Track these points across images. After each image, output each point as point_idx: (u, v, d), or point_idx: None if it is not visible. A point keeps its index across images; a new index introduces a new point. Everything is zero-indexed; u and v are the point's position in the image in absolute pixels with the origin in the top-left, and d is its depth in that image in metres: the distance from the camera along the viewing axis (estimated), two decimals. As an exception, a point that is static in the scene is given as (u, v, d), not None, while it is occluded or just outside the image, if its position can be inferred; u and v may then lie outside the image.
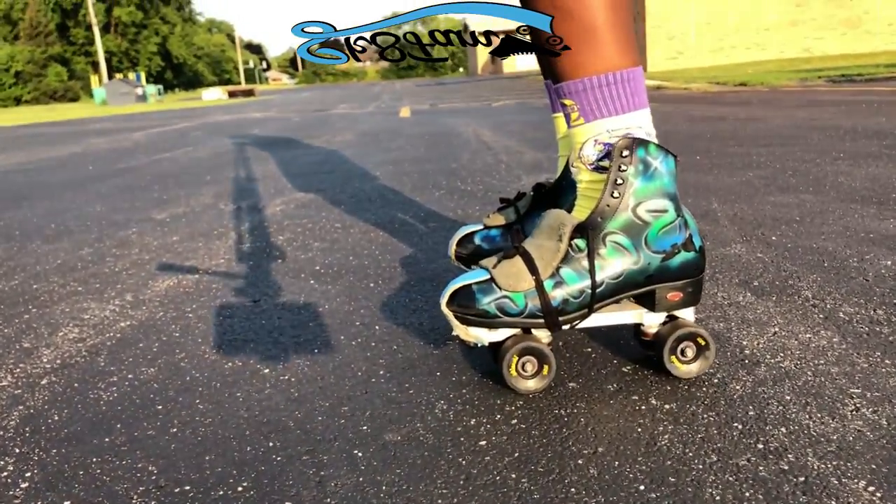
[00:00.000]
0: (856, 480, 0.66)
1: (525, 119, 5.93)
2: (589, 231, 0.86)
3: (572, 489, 0.68)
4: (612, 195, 0.86)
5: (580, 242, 0.87)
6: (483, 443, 0.78)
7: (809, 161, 2.64)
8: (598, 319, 0.91)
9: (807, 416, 0.78)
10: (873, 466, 0.68)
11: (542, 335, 0.90)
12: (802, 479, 0.67)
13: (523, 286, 0.87)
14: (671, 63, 17.76)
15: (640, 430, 0.78)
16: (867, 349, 0.95)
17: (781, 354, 0.95)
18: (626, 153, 0.86)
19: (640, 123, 0.88)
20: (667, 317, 0.93)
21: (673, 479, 0.68)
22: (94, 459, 0.80)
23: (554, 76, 0.89)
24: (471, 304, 0.88)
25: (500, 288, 0.87)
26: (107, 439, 0.84)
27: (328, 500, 0.69)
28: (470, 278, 0.89)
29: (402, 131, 5.46)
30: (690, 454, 0.73)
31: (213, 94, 35.38)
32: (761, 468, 0.69)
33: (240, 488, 0.72)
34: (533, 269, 0.87)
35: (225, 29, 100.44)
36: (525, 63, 62.33)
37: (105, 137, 7.00)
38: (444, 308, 0.89)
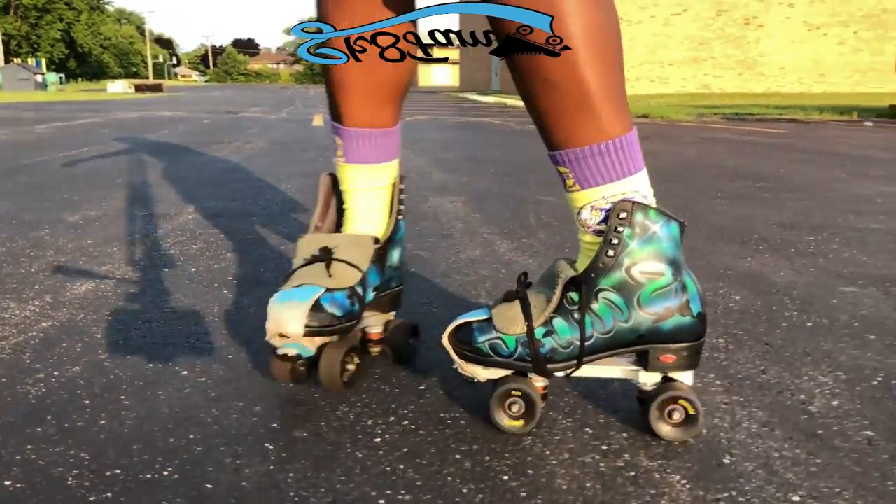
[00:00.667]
0: (673, 475, 0.83)
1: (437, 137, 6.12)
2: (583, 286, 0.89)
3: (449, 478, 0.82)
4: (606, 254, 0.88)
5: (574, 295, 0.89)
6: (378, 440, 0.91)
7: (689, 199, 2.89)
8: (592, 370, 0.94)
9: (645, 425, 0.95)
10: (688, 465, 0.85)
11: (538, 380, 0.94)
12: (632, 473, 0.83)
13: (515, 330, 0.91)
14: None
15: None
16: (702, 371, 1.13)
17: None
18: (623, 215, 0.87)
19: (637, 188, 0.89)
20: (662, 377, 0.94)
21: (531, 472, 0.84)
22: (29, 447, 0.89)
23: (547, 143, 0.91)
24: (468, 341, 0.93)
25: (494, 329, 0.92)
26: (39, 429, 0.94)
27: (244, 483, 0.81)
28: (472, 316, 0.95)
29: (314, 141, 5.55)
30: (548, 452, 0.88)
31: (119, 87, 34.31)
32: (602, 465, 0.85)
33: (165, 473, 0.83)
34: (527, 315, 0.90)
35: (135, 21, 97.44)
36: (441, 78, 63.00)
37: (4, 128, 6.80)
38: (444, 342, 0.95)
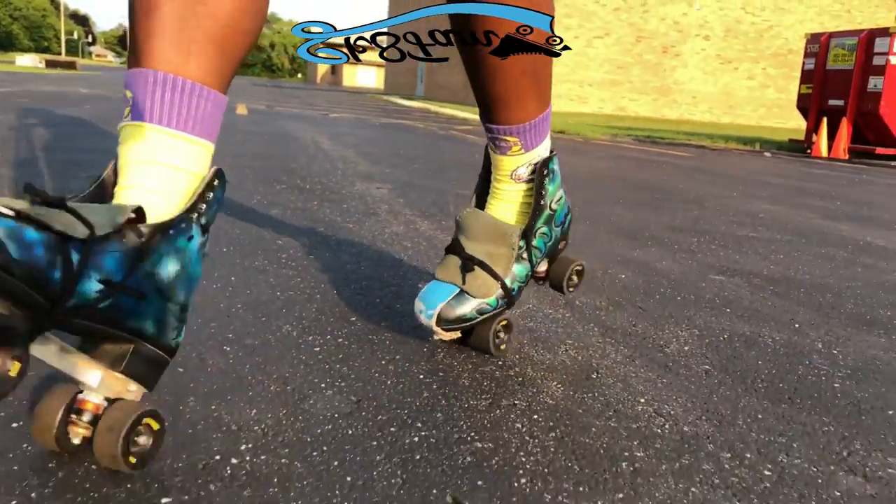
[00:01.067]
0: (551, 381, 1.06)
1: (362, 134, 6.29)
2: (528, 234, 1.10)
3: (376, 374, 1.03)
4: (539, 203, 1.10)
5: (522, 243, 1.10)
6: (317, 349, 1.11)
7: (595, 203, 3.17)
8: None
9: (534, 351, 1.18)
10: (564, 376, 1.08)
11: None
12: (521, 379, 1.06)
13: (494, 292, 1.08)
14: (502, 102, 18.70)
15: (425, 349, 1.15)
16: (585, 321, 1.37)
17: (529, 318, 1.35)
18: (545, 171, 1.11)
19: (549, 141, 1.14)
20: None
21: (442, 374, 1.05)
22: None
23: (502, 120, 1.07)
24: (456, 318, 1.06)
25: (474, 297, 1.07)
26: None
27: (209, 368, 1.00)
28: (445, 296, 1.07)
29: (241, 128, 5.65)
30: (456, 363, 1.10)
31: (28, 61, 33.11)
32: (497, 373, 1.07)
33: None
34: (495, 276, 1.08)
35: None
36: (365, 79, 62.96)
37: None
38: (435, 328, 1.07)
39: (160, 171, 0.76)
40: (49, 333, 0.69)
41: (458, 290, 1.08)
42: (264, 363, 1.04)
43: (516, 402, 0.98)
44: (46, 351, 0.69)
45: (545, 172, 1.11)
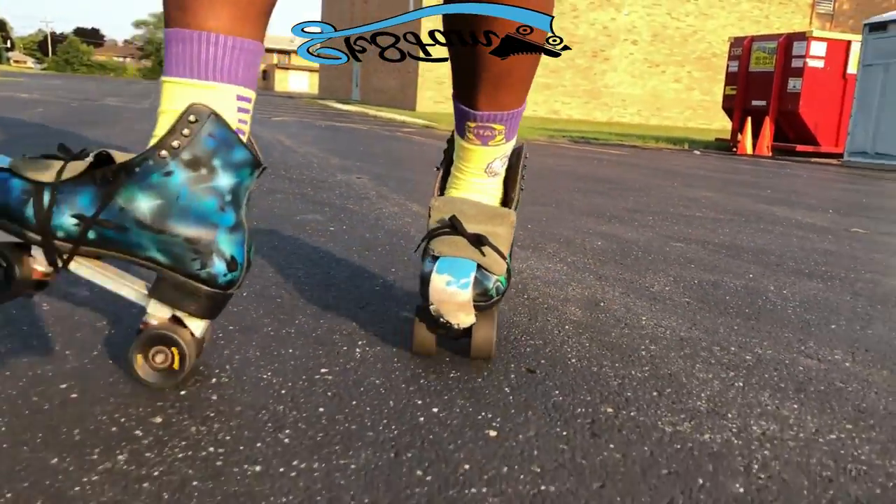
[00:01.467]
0: (570, 307, 1.32)
1: (315, 134, 6.48)
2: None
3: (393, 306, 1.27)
4: (521, 190, 1.09)
5: None
6: (367, 298, 1.34)
7: (554, 191, 3.46)
8: None
9: (548, 289, 1.44)
10: (578, 304, 1.34)
11: None
12: (546, 305, 1.31)
13: (504, 269, 1.00)
14: (438, 106, 19.00)
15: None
16: (581, 271, 1.64)
17: (535, 270, 1.61)
18: (526, 160, 1.11)
19: None
20: None
21: (483, 303, 1.29)
22: None
23: (495, 106, 1.01)
24: (484, 291, 0.97)
25: (492, 273, 0.98)
26: None
27: (274, 309, 1.22)
28: (469, 270, 0.96)
29: (199, 130, 5.76)
30: (490, 297, 1.34)
31: (-55, 67, 31.91)
32: (526, 302, 1.33)
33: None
34: (502, 254, 1.00)
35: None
36: (298, 84, 62.68)
37: None
38: (469, 302, 0.95)
39: (159, 116, 0.82)
40: (108, 264, 0.85)
41: (476, 265, 0.98)
42: (331, 303, 1.27)
43: (549, 318, 1.23)
44: (108, 282, 0.84)
45: (526, 158, 1.12)
